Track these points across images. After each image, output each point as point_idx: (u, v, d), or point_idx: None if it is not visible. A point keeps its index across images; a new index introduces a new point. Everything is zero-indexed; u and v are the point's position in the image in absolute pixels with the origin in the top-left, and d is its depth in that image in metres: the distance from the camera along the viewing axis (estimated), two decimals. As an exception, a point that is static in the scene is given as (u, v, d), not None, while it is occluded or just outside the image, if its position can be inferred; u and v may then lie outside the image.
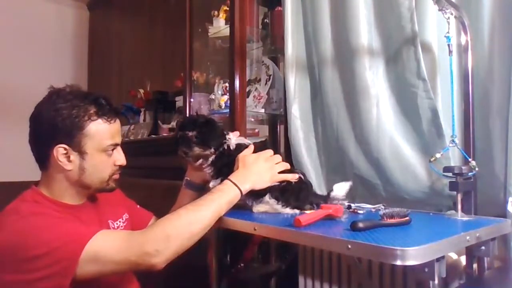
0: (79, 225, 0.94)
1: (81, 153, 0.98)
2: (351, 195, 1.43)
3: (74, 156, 0.98)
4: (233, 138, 1.16)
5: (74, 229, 0.90)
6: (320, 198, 1.15)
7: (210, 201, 0.98)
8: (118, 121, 1.04)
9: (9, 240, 0.87)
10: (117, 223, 1.14)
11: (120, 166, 1.06)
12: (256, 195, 1.09)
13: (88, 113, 0.97)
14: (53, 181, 1.01)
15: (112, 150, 1.03)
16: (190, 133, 1.12)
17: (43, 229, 0.87)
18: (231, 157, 1.12)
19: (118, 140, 1.04)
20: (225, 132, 1.17)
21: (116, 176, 1.07)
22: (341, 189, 1.14)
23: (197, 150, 1.12)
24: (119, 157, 1.05)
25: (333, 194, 1.14)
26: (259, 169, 1.07)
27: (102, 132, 0.99)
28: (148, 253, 0.87)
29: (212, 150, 1.12)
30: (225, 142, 1.14)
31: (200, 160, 1.14)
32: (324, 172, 1.52)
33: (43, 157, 0.99)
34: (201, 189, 1.20)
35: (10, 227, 0.89)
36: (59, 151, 0.96)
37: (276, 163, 1.11)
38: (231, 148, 1.13)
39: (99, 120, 0.99)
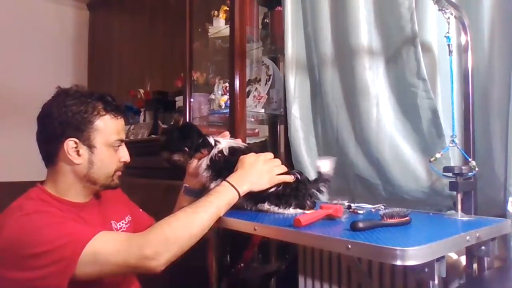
0: (80, 225, 0.95)
1: (90, 147, 1.01)
2: (351, 195, 1.44)
3: (83, 150, 1.00)
4: (223, 141, 1.16)
5: (75, 228, 0.91)
6: (315, 183, 1.14)
7: (208, 203, 0.98)
8: (123, 119, 1.08)
9: (12, 237, 0.87)
10: (119, 224, 1.15)
11: (125, 163, 1.09)
12: (254, 200, 1.09)
13: (96, 108, 1.01)
14: (60, 177, 1.02)
15: (118, 146, 1.06)
16: (161, 139, 1.19)
17: (45, 228, 0.87)
18: (227, 160, 1.12)
19: (123, 136, 1.08)
20: (208, 137, 1.16)
21: (119, 173, 1.09)
22: (325, 165, 1.14)
23: (165, 154, 1.17)
24: (124, 154, 1.08)
25: (322, 171, 1.13)
26: (258, 171, 1.07)
27: (109, 127, 1.03)
28: (147, 256, 0.87)
29: (180, 154, 1.16)
30: (211, 145, 1.14)
31: (195, 165, 1.15)
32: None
33: (52, 153, 1.01)
34: (200, 195, 1.20)
35: (13, 224, 0.90)
36: (69, 144, 0.99)
37: (275, 166, 1.10)
38: (224, 151, 1.13)
39: (107, 116, 1.02)
